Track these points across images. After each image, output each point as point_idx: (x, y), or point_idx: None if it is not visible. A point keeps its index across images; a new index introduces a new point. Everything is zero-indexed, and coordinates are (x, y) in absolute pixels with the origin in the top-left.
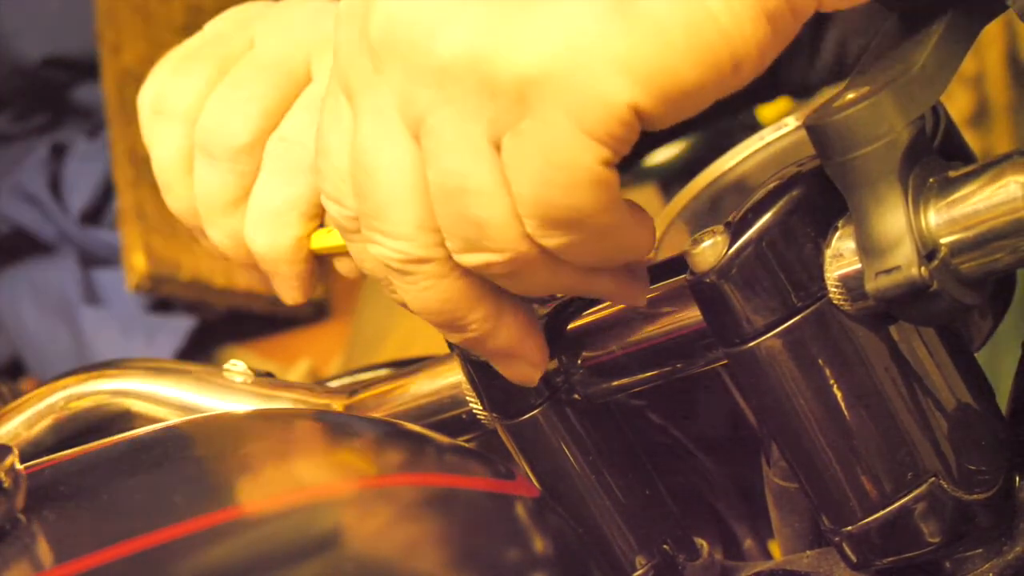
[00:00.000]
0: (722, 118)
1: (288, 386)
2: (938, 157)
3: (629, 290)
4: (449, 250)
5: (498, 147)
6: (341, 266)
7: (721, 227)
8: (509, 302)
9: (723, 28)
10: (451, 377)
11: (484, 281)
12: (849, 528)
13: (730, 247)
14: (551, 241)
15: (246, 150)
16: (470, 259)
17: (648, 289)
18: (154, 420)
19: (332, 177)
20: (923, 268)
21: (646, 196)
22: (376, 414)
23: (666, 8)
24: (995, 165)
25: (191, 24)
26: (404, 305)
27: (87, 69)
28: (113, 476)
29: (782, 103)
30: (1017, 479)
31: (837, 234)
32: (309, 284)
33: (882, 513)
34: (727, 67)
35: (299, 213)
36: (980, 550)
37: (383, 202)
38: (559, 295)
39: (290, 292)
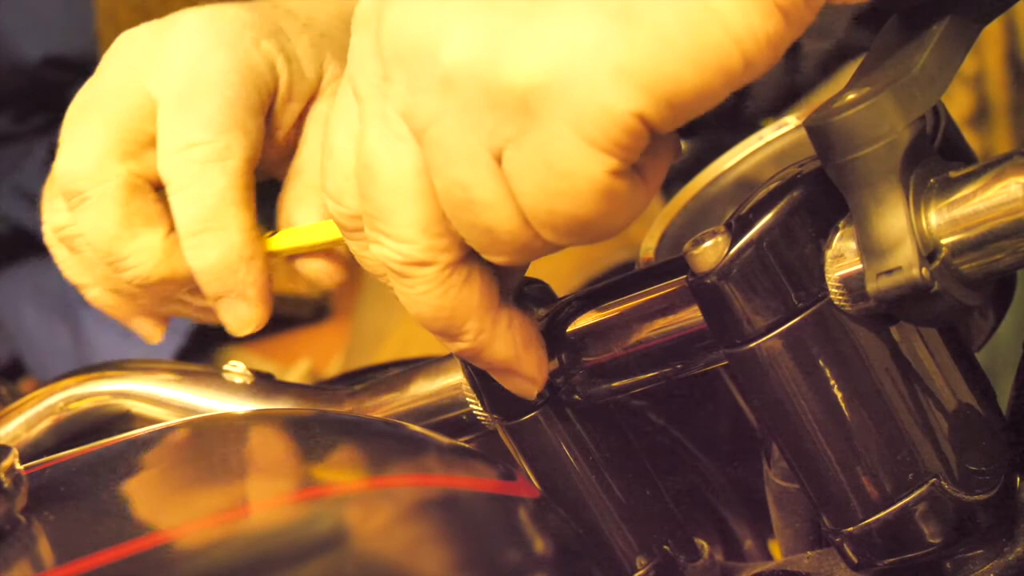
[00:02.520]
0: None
1: (288, 386)
2: (939, 157)
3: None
4: (450, 256)
5: (499, 158)
6: (306, 268)
7: (722, 227)
8: (508, 316)
9: (731, 29)
10: (451, 378)
11: (483, 293)
12: (850, 529)
13: (731, 248)
14: (564, 242)
15: None
16: (492, 259)
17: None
18: (154, 421)
19: (334, 175)
20: (924, 269)
21: None
22: (376, 415)
23: (669, 13)
24: (996, 165)
25: None
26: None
27: (87, 69)
28: (113, 477)
29: None
30: (1018, 479)
31: (838, 235)
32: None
33: (883, 514)
34: (737, 67)
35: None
36: (981, 551)
37: (386, 205)
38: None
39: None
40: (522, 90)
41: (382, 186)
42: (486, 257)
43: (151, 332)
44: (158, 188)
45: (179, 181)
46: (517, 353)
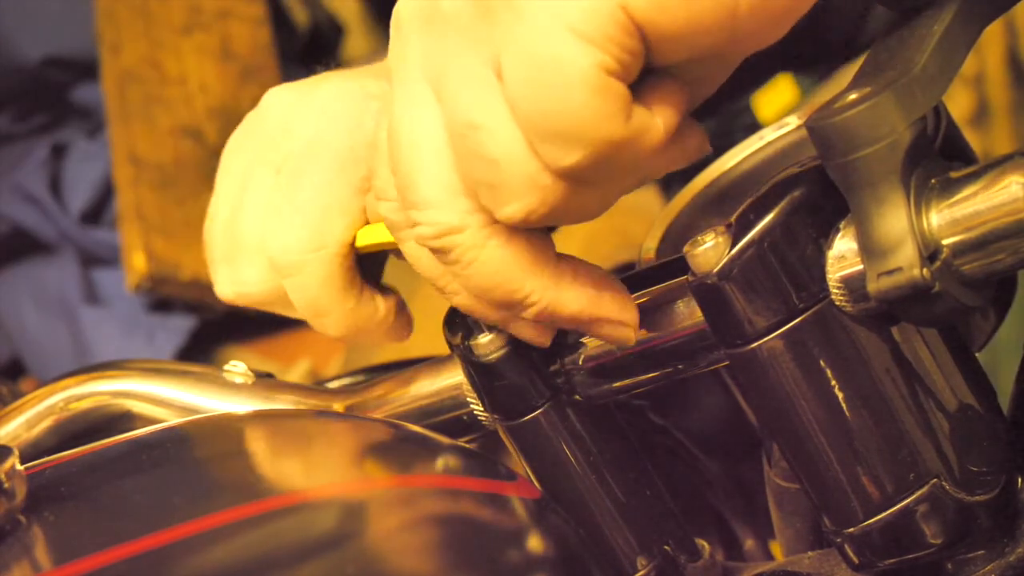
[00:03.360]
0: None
1: (288, 387)
2: (940, 158)
3: (685, 152)
4: (483, 217)
5: (499, 73)
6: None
7: (722, 228)
8: (571, 269)
9: None
10: (452, 378)
11: (533, 250)
12: (851, 529)
13: (731, 248)
14: (564, 160)
15: None
16: (504, 212)
17: (706, 137)
18: (154, 421)
19: (380, 171)
20: (925, 269)
21: (646, 196)
22: (376, 415)
23: None
24: (996, 166)
25: (191, 24)
26: (459, 305)
27: (87, 69)
28: (113, 477)
29: (784, 96)
30: (1019, 480)
31: (839, 235)
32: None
33: (884, 514)
34: None
35: None
36: (982, 551)
37: (411, 170)
38: None
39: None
40: None
41: (405, 151)
42: (499, 215)
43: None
44: None
45: (285, 269)
46: (592, 300)
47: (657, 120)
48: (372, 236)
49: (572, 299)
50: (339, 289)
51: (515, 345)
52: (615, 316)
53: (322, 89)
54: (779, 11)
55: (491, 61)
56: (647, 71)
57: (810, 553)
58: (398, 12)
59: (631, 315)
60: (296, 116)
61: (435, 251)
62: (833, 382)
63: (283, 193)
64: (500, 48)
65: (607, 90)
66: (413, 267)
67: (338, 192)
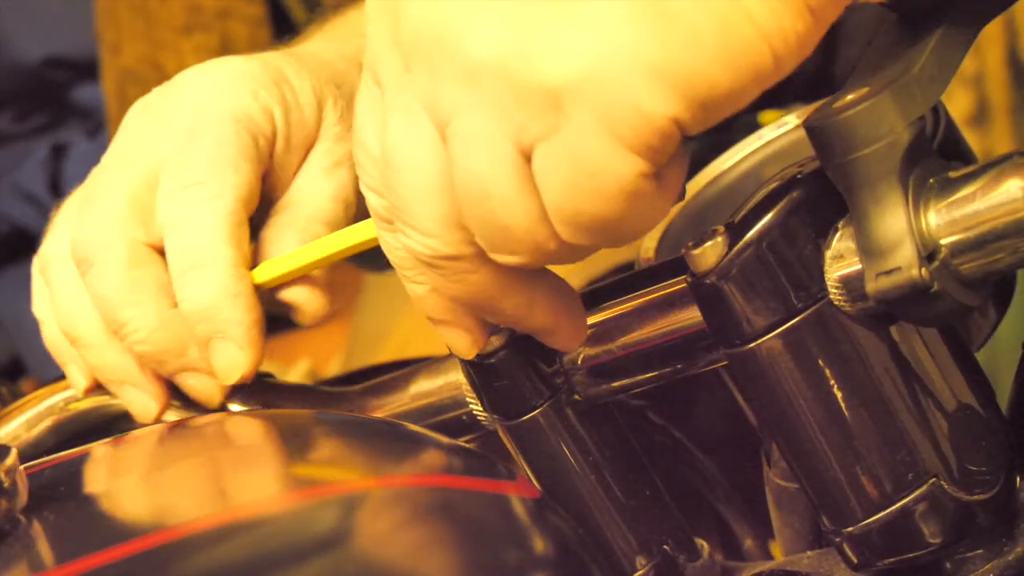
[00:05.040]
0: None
1: (288, 386)
2: (938, 158)
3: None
4: (478, 248)
5: (527, 155)
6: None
7: (721, 227)
8: (546, 284)
9: (761, 28)
10: (451, 378)
11: (517, 271)
12: (850, 529)
13: (730, 248)
14: (582, 242)
15: None
16: (501, 259)
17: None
18: None
19: (370, 168)
20: (923, 269)
21: None
22: (376, 415)
23: (702, 13)
24: (995, 166)
25: (191, 24)
26: (417, 298)
27: (87, 69)
28: (113, 477)
29: None
30: (1018, 479)
31: (837, 235)
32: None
33: (883, 514)
34: (768, 67)
35: None
36: (981, 551)
37: (410, 199)
38: None
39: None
40: (555, 88)
41: (405, 181)
42: (493, 256)
43: (144, 404)
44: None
45: (172, 223)
46: (557, 320)
47: (669, 195)
48: (268, 272)
49: (540, 316)
50: (223, 242)
51: (515, 345)
52: (571, 336)
53: (186, 80)
54: (808, 50)
55: (518, 142)
56: None
57: (809, 552)
58: (401, 24)
59: (582, 336)
60: (171, 109)
61: (424, 264)
62: (832, 382)
63: (171, 165)
64: (536, 140)
65: (641, 194)
66: (387, 255)
67: (229, 155)
